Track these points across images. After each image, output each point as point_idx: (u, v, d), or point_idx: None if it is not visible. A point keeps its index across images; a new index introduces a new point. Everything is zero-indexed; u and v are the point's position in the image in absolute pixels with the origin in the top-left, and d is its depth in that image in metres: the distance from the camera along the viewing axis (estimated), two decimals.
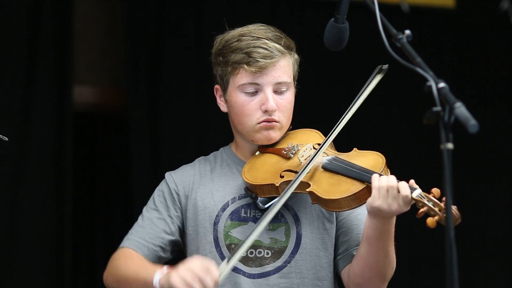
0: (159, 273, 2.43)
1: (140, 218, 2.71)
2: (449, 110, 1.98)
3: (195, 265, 2.35)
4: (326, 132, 2.67)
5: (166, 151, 5.01)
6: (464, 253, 4.50)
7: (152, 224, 2.66)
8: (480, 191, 5.59)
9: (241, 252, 2.46)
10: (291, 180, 2.54)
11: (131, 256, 2.62)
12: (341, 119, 2.58)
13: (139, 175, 4.92)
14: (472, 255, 5.43)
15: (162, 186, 2.73)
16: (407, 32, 2.22)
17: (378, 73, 2.60)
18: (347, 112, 2.58)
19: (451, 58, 5.58)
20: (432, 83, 2.05)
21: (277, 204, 2.50)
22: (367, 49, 5.07)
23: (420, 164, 5.35)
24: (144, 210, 2.72)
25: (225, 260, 2.45)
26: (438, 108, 2.00)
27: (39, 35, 4.84)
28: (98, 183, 5.92)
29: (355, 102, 2.58)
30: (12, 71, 4.80)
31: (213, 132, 4.98)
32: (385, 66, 2.58)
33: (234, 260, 2.45)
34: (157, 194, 2.72)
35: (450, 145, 1.98)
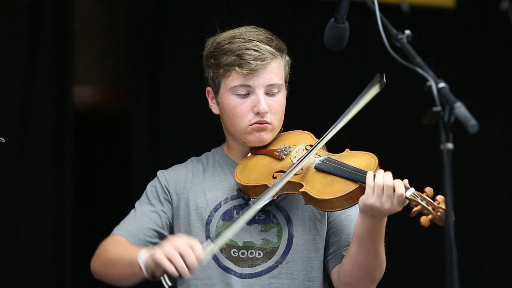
0: (145, 251, 2.42)
1: (132, 211, 2.71)
2: (449, 110, 1.98)
3: (178, 241, 2.34)
4: (319, 134, 2.68)
5: (166, 151, 5.01)
6: (464, 253, 4.50)
7: (145, 216, 2.66)
8: (480, 191, 5.59)
9: (228, 234, 2.46)
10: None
11: (120, 241, 2.62)
12: (334, 124, 2.57)
13: (139, 175, 4.92)
14: (472, 255, 5.43)
15: (154, 182, 2.74)
16: (407, 32, 2.22)
17: (376, 84, 2.59)
18: (341, 119, 2.57)
19: (451, 58, 5.58)
20: (432, 83, 2.05)
21: (269, 193, 2.51)
22: (367, 49, 5.07)
23: (419, 164, 5.35)
24: (137, 204, 2.72)
25: (209, 240, 2.46)
26: (438, 108, 2.00)
27: (39, 35, 4.84)
28: (98, 183, 5.93)
29: (350, 110, 2.58)
30: (12, 71, 4.80)
31: (213, 132, 4.95)
32: (384, 79, 2.56)
33: (220, 242, 2.45)
34: (149, 189, 2.73)
35: (450, 145, 1.98)
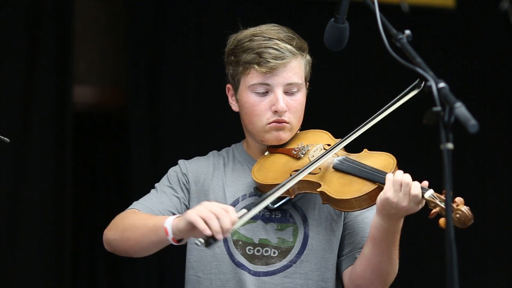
0: (172, 217, 2.38)
1: (153, 190, 2.69)
2: (449, 110, 1.98)
3: (213, 204, 2.31)
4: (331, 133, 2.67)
5: (166, 151, 5.01)
6: (464, 253, 4.50)
7: (166, 197, 2.65)
8: (480, 191, 5.59)
9: (263, 204, 2.44)
10: (301, 180, 2.54)
11: (139, 213, 2.59)
12: (359, 127, 2.57)
13: (139, 175, 4.92)
14: (472, 255, 5.43)
15: (175, 168, 2.73)
16: (407, 32, 2.22)
17: (414, 88, 2.57)
18: (371, 120, 2.57)
19: (451, 58, 5.58)
20: (432, 83, 2.05)
21: (290, 182, 2.50)
22: (367, 49, 5.07)
23: (419, 164, 5.35)
24: (157, 185, 2.70)
25: (244, 209, 2.40)
26: (438, 108, 2.00)
27: (39, 35, 4.84)
28: (98, 183, 5.92)
29: (382, 112, 2.57)
30: (12, 71, 4.80)
31: (213, 132, 4.98)
32: (422, 84, 2.54)
33: (256, 210, 2.42)
34: (171, 174, 2.72)
35: (450, 145, 1.98)
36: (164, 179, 2.72)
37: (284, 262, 2.61)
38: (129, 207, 2.65)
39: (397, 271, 2.57)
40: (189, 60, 5.09)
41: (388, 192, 2.41)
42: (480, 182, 5.61)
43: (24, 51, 4.82)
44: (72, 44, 4.93)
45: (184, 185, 2.69)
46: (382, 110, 2.58)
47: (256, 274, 2.60)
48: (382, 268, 2.53)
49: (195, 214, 2.28)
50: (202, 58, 5.13)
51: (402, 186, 2.40)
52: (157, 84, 5.06)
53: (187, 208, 2.67)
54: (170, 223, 2.36)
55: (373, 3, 2.28)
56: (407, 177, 2.42)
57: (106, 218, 6.27)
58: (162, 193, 2.67)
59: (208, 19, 5.15)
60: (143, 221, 2.50)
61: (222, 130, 5.02)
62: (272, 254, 2.61)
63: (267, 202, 2.46)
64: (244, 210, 2.39)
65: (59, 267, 4.81)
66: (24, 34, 4.83)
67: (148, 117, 5.03)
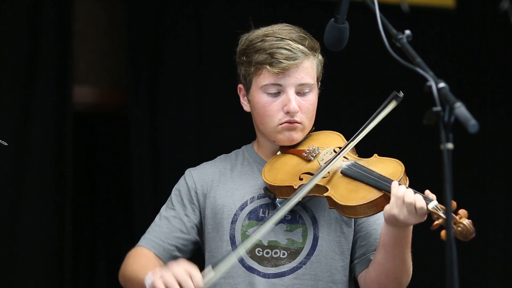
0: (151, 274, 2.44)
1: (158, 216, 2.72)
2: (449, 110, 1.99)
3: (178, 269, 2.37)
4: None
5: (166, 151, 5.00)
6: (464, 253, 4.50)
7: (168, 223, 2.68)
8: (480, 191, 5.59)
9: (230, 260, 2.48)
10: None
11: (141, 255, 2.65)
12: (348, 142, 2.58)
13: (139, 175, 4.91)
14: (472, 255, 5.43)
15: (180, 183, 2.74)
16: (407, 32, 2.22)
17: (393, 99, 2.59)
18: (356, 136, 2.57)
19: (450, 58, 5.58)
20: (432, 83, 2.06)
21: (288, 205, 2.50)
22: (367, 49, 5.07)
23: (419, 164, 5.35)
24: (162, 208, 2.73)
25: (210, 267, 2.45)
26: (438, 108, 2.00)
27: (39, 35, 4.84)
28: (98, 183, 5.93)
29: (365, 127, 2.57)
30: (12, 71, 4.80)
31: (213, 132, 4.98)
32: (401, 95, 2.56)
33: (222, 268, 2.45)
34: (174, 192, 2.73)
35: (450, 145, 1.98)
36: (168, 200, 2.74)
37: (294, 263, 2.60)
38: (138, 243, 2.70)
39: (411, 273, 2.56)
40: (189, 60, 5.09)
41: (394, 209, 2.41)
42: (480, 182, 5.61)
43: (24, 51, 4.82)
44: (72, 44, 4.93)
45: (189, 200, 2.71)
46: (363, 126, 2.59)
47: (266, 276, 2.60)
48: (396, 272, 2.53)
49: (160, 282, 2.37)
50: (202, 58, 5.14)
51: (406, 206, 2.39)
52: (157, 84, 5.07)
53: (196, 224, 2.69)
54: (149, 284, 2.44)
55: (373, 3, 2.28)
56: (409, 196, 2.40)
57: (106, 218, 6.29)
58: (165, 219, 2.70)
59: (208, 19, 5.15)
60: (136, 275, 2.59)
61: (222, 130, 5.02)
62: (281, 256, 2.61)
63: (236, 254, 2.50)
64: (210, 268, 2.43)
65: (59, 267, 4.81)
66: (24, 34, 4.83)
67: (148, 117, 5.03)
